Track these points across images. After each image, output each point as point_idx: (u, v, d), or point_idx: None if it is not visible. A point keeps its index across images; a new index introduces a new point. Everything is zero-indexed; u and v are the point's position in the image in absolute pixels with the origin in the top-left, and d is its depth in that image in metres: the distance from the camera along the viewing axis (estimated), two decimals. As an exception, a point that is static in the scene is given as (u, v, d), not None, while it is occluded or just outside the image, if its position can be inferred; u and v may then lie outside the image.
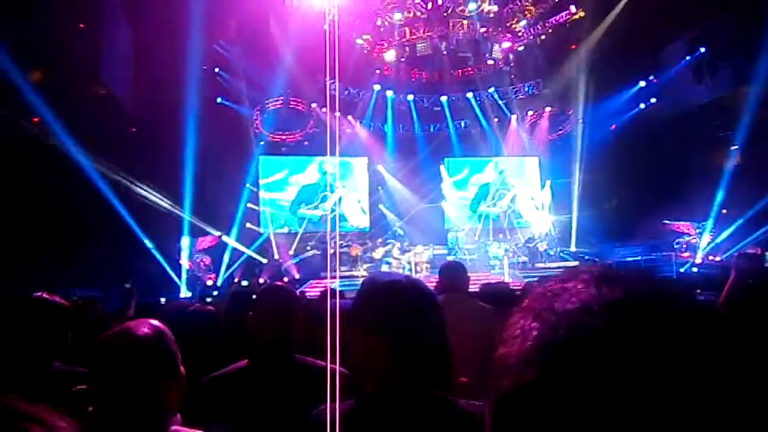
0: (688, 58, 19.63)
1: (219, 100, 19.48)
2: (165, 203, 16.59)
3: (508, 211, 22.22)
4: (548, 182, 22.22)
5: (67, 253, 14.08)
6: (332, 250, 20.19)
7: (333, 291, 4.54)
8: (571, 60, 20.93)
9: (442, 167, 22.33)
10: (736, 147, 18.03)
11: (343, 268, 19.41)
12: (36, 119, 12.98)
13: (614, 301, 0.56)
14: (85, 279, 13.35)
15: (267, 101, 20.12)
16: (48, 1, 12.87)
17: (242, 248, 18.50)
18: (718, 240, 17.70)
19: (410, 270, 18.13)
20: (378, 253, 19.08)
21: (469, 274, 4.51)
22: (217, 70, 19.35)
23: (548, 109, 22.25)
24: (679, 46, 20.02)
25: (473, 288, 5.11)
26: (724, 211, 17.80)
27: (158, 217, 16.39)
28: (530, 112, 22.53)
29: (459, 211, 21.91)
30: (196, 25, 15.47)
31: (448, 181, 22.22)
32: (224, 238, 18.07)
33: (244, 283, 16.95)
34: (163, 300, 9.51)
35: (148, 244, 15.74)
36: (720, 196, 17.58)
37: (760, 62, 16.00)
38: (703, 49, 19.01)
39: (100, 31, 14.44)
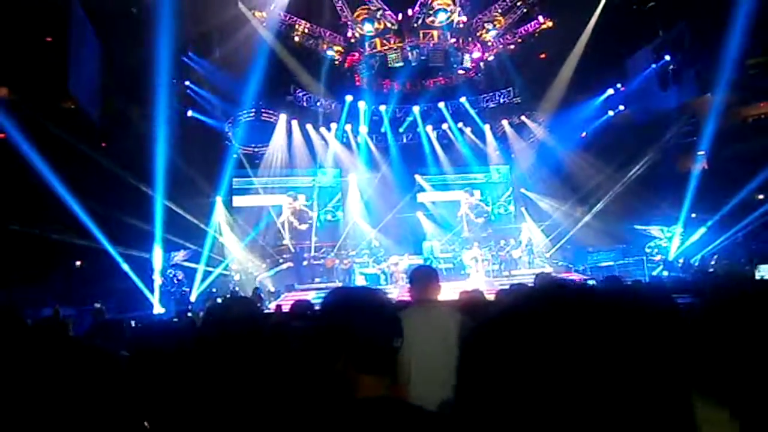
0: (653, 66, 20.03)
1: (190, 113, 19.31)
2: (136, 219, 16.35)
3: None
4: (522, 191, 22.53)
5: (40, 272, 13.81)
6: (306, 263, 20.22)
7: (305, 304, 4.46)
8: (540, 69, 21.24)
9: (418, 177, 22.41)
10: (702, 152, 18.42)
11: (318, 280, 19.36)
12: (2, 135, 12.72)
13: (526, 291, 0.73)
14: (59, 297, 13.10)
15: (239, 114, 19.99)
16: (12, 14, 12.65)
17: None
18: (688, 243, 18.02)
19: (386, 280, 18.14)
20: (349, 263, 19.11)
21: (443, 283, 4.49)
22: (187, 83, 19.20)
23: (520, 117, 22.49)
24: (645, 54, 20.44)
25: (451, 296, 5.12)
26: (693, 215, 18.13)
27: (130, 233, 16.14)
28: (503, 121, 22.75)
29: (436, 221, 22.02)
30: (165, 38, 15.32)
31: (426, 190, 22.37)
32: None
33: (219, 300, 16.74)
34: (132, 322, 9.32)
35: (120, 260, 15.47)
36: (688, 201, 17.90)
37: (722, 70, 16.39)
38: (668, 57, 19.42)
39: (68, 44, 14.19)
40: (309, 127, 21.40)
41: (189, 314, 12.33)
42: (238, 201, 20.79)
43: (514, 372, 0.62)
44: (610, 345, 0.61)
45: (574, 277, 17.56)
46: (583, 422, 0.57)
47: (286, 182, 21.50)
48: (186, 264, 17.87)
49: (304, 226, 21.18)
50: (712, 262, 15.72)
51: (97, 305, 13.53)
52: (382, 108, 21.87)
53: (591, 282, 10.06)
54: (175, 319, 8.91)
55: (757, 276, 11.40)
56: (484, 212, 22.62)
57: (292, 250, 20.54)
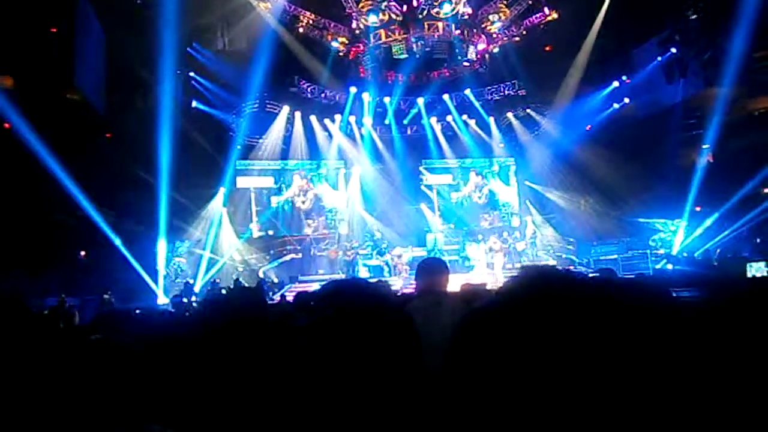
0: (659, 58, 19.91)
1: (194, 104, 19.30)
2: (141, 209, 16.41)
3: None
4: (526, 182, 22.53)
5: (44, 261, 13.87)
6: (312, 253, 20.27)
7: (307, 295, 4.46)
8: (546, 61, 21.14)
9: (422, 168, 22.40)
10: (707, 146, 18.35)
11: (321, 271, 19.41)
12: (7, 125, 12.75)
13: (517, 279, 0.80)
14: (63, 287, 13.17)
15: (243, 105, 19.97)
16: (17, 4, 12.65)
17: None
18: (692, 237, 17.99)
19: (389, 271, 18.17)
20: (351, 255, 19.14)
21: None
22: (192, 74, 19.17)
23: (525, 110, 22.43)
24: (651, 47, 20.32)
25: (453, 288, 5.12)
26: (697, 208, 18.09)
27: (134, 224, 16.20)
28: (507, 114, 22.69)
29: (439, 213, 22.02)
30: (169, 29, 15.32)
31: (429, 181, 22.35)
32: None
33: (223, 290, 16.81)
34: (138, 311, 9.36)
35: (125, 250, 15.53)
36: (693, 194, 17.86)
37: (728, 63, 16.30)
38: (674, 50, 19.30)
39: (74, 35, 14.19)
40: (313, 118, 21.38)
41: (194, 304, 12.41)
42: (241, 183, 20.82)
43: (496, 359, 0.64)
44: (590, 336, 0.62)
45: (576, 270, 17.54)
46: (557, 410, 0.58)
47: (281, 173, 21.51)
48: (194, 251, 17.96)
49: (308, 205, 21.17)
50: (716, 256, 15.71)
51: (106, 296, 13.64)
52: (387, 100, 21.79)
53: (593, 275, 10.03)
54: (172, 310, 8.92)
55: (749, 274, 11.32)
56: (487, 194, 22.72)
57: (294, 245, 20.55)
